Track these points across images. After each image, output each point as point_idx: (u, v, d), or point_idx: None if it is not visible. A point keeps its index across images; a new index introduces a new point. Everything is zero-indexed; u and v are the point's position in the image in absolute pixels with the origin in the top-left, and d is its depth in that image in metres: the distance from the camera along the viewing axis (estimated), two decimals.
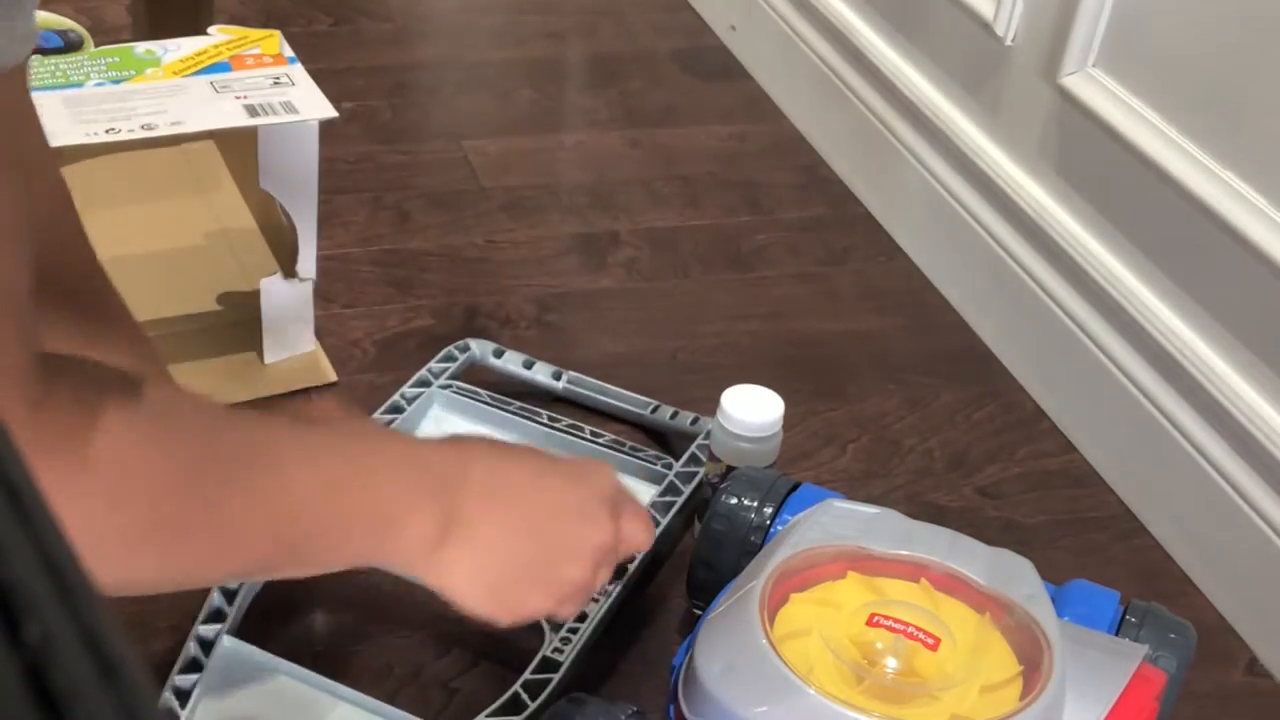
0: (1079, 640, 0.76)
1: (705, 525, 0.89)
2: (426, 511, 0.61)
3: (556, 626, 0.88)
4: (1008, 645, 0.75)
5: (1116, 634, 0.83)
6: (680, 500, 0.99)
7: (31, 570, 0.21)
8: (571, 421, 1.07)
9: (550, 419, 1.07)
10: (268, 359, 1.11)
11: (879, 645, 0.73)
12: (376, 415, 1.03)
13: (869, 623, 0.74)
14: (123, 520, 0.48)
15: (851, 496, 0.90)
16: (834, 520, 0.82)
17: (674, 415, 1.09)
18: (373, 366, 1.15)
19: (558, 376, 1.12)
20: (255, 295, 1.09)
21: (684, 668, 0.75)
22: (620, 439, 1.07)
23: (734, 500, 0.89)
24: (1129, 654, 0.76)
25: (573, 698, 0.78)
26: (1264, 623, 0.99)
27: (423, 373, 1.09)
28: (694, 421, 1.07)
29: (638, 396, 1.11)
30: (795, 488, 0.91)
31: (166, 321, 1.11)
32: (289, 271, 1.09)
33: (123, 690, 0.21)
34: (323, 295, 1.19)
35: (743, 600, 0.75)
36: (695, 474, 1.01)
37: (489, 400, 1.07)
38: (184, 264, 1.20)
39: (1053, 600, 0.79)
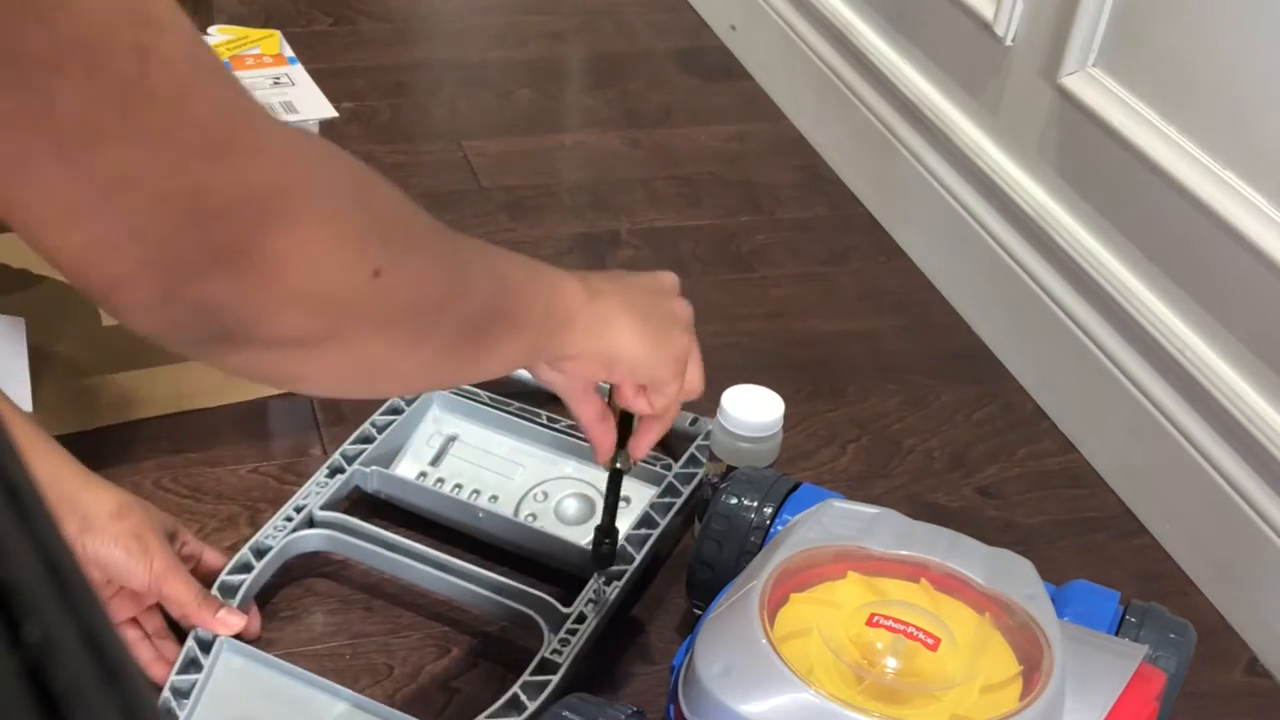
0: (1079, 640, 0.76)
1: (705, 525, 0.89)
2: (573, 278, 0.71)
3: (556, 626, 0.88)
4: (1008, 645, 0.75)
5: (1116, 634, 0.83)
6: (680, 501, 0.99)
7: (31, 570, 0.21)
8: (570, 422, 1.07)
9: (549, 419, 1.07)
10: None
11: (879, 645, 0.73)
12: (375, 416, 1.03)
13: (869, 623, 0.74)
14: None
15: (851, 496, 0.90)
16: (834, 520, 0.82)
17: None
18: None
19: None
20: None
21: (684, 668, 0.75)
22: None
23: (734, 500, 0.89)
24: (1129, 654, 0.76)
25: (573, 697, 0.78)
26: (1264, 623, 0.99)
27: None
28: (693, 422, 1.07)
29: None
30: (795, 488, 0.91)
31: None
32: None
33: (123, 690, 0.21)
34: None
35: (743, 600, 0.75)
36: (695, 475, 1.01)
37: (488, 401, 1.07)
38: None
39: (1053, 600, 0.79)
